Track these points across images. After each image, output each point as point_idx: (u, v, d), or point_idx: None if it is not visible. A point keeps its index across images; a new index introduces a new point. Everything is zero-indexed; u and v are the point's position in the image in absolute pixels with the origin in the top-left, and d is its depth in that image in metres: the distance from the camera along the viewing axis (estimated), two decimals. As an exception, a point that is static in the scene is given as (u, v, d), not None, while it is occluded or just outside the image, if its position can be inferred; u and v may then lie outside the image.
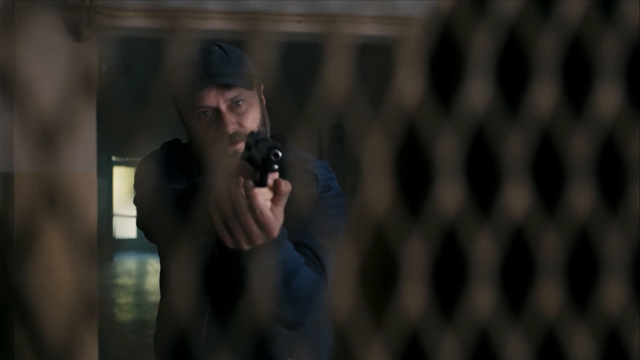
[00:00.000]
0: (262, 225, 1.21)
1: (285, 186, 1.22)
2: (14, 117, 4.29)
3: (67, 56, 4.43)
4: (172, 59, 1.63)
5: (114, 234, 14.75)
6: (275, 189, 1.22)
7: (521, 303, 0.37)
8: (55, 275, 4.23)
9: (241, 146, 1.50)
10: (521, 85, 0.37)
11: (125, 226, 14.47)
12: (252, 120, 1.57)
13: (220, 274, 1.53)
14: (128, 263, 13.40)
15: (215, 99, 1.54)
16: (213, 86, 1.53)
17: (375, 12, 4.58)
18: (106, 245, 13.01)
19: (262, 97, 1.65)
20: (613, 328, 0.37)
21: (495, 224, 0.37)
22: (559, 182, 0.37)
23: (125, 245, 14.39)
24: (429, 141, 0.37)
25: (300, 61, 6.27)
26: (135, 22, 4.52)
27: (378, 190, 0.36)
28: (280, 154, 1.16)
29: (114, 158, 14.62)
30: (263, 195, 1.21)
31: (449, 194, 0.36)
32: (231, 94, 1.55)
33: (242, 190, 1.19)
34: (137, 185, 1.64)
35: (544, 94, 0.37)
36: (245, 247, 1.23)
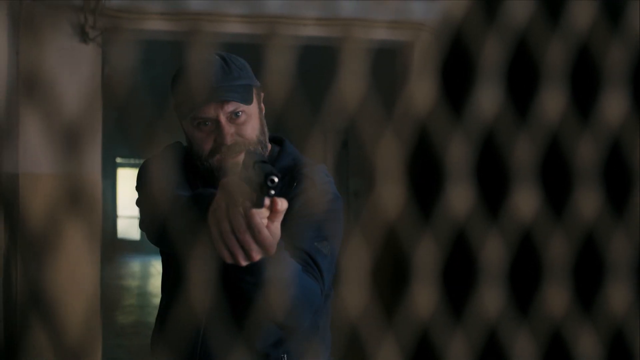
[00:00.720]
0: (260, 243, 1.23)
1: (282, 204, 1.23)
2: (20, 119, 4.30)
3: (73, 58, 4.44)
4: (177, 66, 1.64)
5: (118, 236, 14.75)
6: (272, 207, 1.23)
7: (529, 304, 0.38)
8: (62, 276, 4.24)
9: (240, 158, 1.51)
10: (530, 92, 0.38)
11: (129, 228, 14.48)
12: (251, 130, 1.58)
13: (221, 279, 1.54)
14: (132, 265, 13.39)
15: (215, 111, 1.55)
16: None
17: (388, 16, 4.59)
18: (110, 246, 13.01)
19: (262, 105, 1.65)
20: (618, 329, 0.38)
21: (504, 227, 0.38)
22: (566, 187, 0.38)
23: (129, 247, 14.40)
24: (440, 145, 0.38)
25: (314, 64, 6.28)
26: (141, 24, 4.53)
27: (390, 192, 0.37)
28: (276, 180, 1.17)
29: (118, 160, 14.64)
30: (260, 214, 1.22)
31: (459, 197, 0.37)
32: (230, 107, 1.56)
33: (241, 210, 1.21)
34: (139, 188, 1.65)
35: (552, 101, 0.38)
36: (243, 263, 1.25)
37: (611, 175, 0.38)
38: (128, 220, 14.50)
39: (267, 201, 1.21)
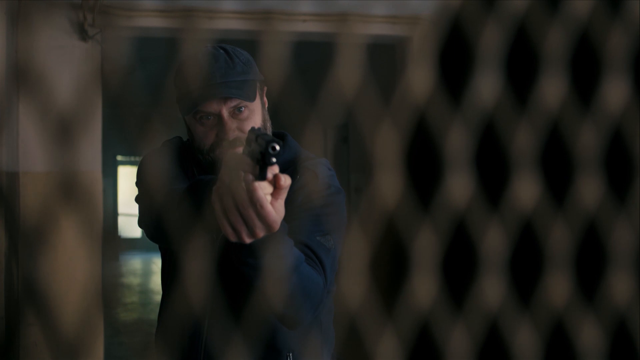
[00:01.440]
0: (263, 218, 1.22)
1: (285, 180, 1.23)
2: (20, 117, 4.30)
3: (72, 55, 4.44)
4: (178, 60, 1.64)
5: (119, 233, 14.77)
6: (275, 183, 1.23)
7: (530, 294, 0.38)
8: (62, 273, 4.24)
9: (240, 149, 1.51)
10: (530, 80, 0.38)
11: (130, 225, 14.50)
12: (253, 125, 1.58)
13: (222, 269, 1.54)
14: (133, 262, 13.41)
15: (217, 106, 1.56)
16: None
17: (385, 11, 4.59)
18: (111, 244, 13.03)
19: (265, 99, 1.66)
20: (620, 318, 0.38)
21: (505, 216, 0.37)
22: (567, 175, 0.38)
23: (130, 244, 14.42)
24: (439, 135, 0.37)
25: (311, 59, 6.27)
26: (140, 21, 4.52)
27: (389, 183, 0.37)
28: (277, 147, 1.17)
29: (118, 157, 14.65)
30: (263, 190, 1.22)
31: (459, 186, 0.37)
32: (233, 102, 1.56)
33: (243, 184, 1.21)
34: (139, 184, 1.65)
35: (552, 89, 0.38)
36: (247, 239, 1.24)
37: (613, 163, 0.38)
38: (129, 218, 14.51)
39: (270, 174, 1.21)
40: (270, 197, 1.22)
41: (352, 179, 6.73)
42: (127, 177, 14.81)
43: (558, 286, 0.38)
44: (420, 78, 0.37)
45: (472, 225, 0.37)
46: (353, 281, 0.37)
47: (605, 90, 0.38)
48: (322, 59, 4.73)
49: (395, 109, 0.38)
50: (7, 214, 4.12)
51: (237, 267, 1.36)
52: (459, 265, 0.38)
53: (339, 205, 1.60)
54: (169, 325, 1.67)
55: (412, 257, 0.37)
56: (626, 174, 0.38)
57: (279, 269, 1.33)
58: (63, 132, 3.91)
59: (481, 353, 0.37)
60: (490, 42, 0.38)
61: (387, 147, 0.37)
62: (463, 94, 0.37)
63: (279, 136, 1.71)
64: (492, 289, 0.37)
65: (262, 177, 1.21)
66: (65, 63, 4.42)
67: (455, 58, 0.38)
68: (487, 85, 0.37)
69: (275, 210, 1.23)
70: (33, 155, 4.33)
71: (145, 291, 10.10)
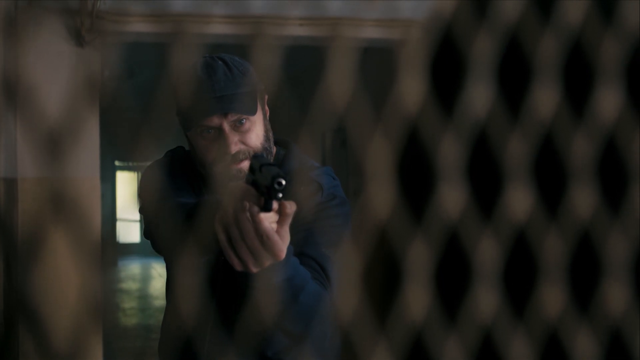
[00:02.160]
0: (269, 249, 1.22)
1: (290, 207, 1.22)
2: (17, 123, 4.30)
3: (69, 61, 4.43)
4: (176, 70, 1.63)
5: (117, 239, 14.75)
6: (280, 211, 1.22)
7: (524, 305, 0.37)
8: (60, 280, 4.24)
9: (245, 164, 1.50)
10: (523, 88, 0.38)
11: (129, 231, 14.49)
12: (256, 137, 1.57)
13: (225, 288, 1.53)
14: (132, 268, 13.40)
15: (218, 120, 1.54)
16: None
17: (377, 15, 4.59)
18: (110, 250, 13.03)
19: (266, 107, 1.65)
20: (616, 330, 0.38)
21: (498, 227, 0.37)
22: (560, 185, 0.37)
23: (129, 249, 14.40)
24: (431, 144, 0.37)
25: (302, 64, 6.27)
26: (138, 26, 4.52)
27: (381, 193, 0.37)
28: (283, 182, 1.16)
29: (117, 163, 14.64)
30: (269, 219, 1.21)
31: (452, 196, 0.36)
32: (234, 116, 1.55)
33: (248, 215, 1.19)
34: (142, 195, 1.64)
35: (546, 97, 0.37)
36: (254, 269, 1.24)
37: (607, 173, 0.37)
38: (127, 223, 14.50)
39: (275, 205, 1.20)
40: (276, 224, 1.21)
41: (351, 183, 6.73)
42: (126, 182, 14.81)
43: (552, 297, 0.37)
44: (411, 88, 0.37)
45: (465, 236, 0.37)
46: (345, 293, 0.37)
47: (598, 99, 0.38)
48: (313, 63, 4.73)
49: (387, 118, 0.38)
50: (4, 220, 4.11)
51: (243, 290, 1.35)
52: (452, 277, 0.37)
53: (344, 216, 1.59)
54: (170, 338, 1.67)
55: (405, 269, 0.36)
56: (620, 183, 0.37)
57: (285, 291, 1.32)
58: (60, 138, 3.91)
59: (475, 365, 0.37)
60: (483, 50, 0.38)
61: (379, 158, 0.37)
62: (455, 104, 0.37)
63: (282, 144, 1.70)
64: (485, 300, 0.37)
65: (267, 208, 1.19)
66: (62, 68, 4.42)
67: (447, 67, 0.38)
68: (479, 94, 0.37)
69: (281, 239, 1.22)
70: (31, 161, 4.32)
71: (144, 296, 10.09)
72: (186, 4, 4.46)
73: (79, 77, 4.39)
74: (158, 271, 12.06)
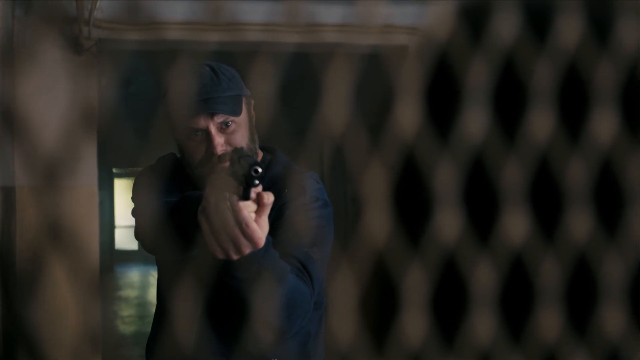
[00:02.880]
0: (249, 237, 1.28)
1: (268, 198, 1.30)
2: (14, 131, 4.29)
3: (67, 69, 4.43)
4: (167, 78, 1.67)
5: (115, 246, 14.74)
6: (259, 201, 1.28)
7: (521, 329, 0.37)
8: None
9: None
10: (518, 113, 0.38)
11: (127, 238, 14.46)
12: (241, 139, 1.63)
13: (211, 282, 1.57)
14: (130, 275, 13.38)
15: (204, 122, 1.61)
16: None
17: (378, 22, 4.59)
18: (108, 257, 13.02)
19: (252, 113, 1.70)
20: (613, 352, 0.38)
21: (495, 251, 0.37)
22: (557, 209, 0.37)
23: (127, 257, 14.38)
24: (427, 170, 0.37)
25: (295, 72, 6.27)
26: (134, 35, 4.52)
27: (378, 220, 0.37)
28: (260, 169, 1.26)
29: (114, 170, 14.62)
30: (247, 208, 1.28)
31: (448, 222, 0.37)
32: (220, 118, 1.61)
33: (229, 204, 1.26)
34: (133, 198, 1.70)
35: (541, 122, 0.38)
36: (234, 257, 1.31)
37: (603, 196, 0.38)
38: (126, 231, 14.48)
39: (253, 194, 1.28)
40: (255, 214, 1.28)
41: (348, 189, 6.72)
42: (124, 189, 14.80)
43: (550, 320, 0.37)
44: (407, 114, 0.37)
45: (462, 261, 0.37)
46: (343, 320, 0.37)
47: (594, 123, 0.38)
48: (311, 72, 4.73)
49: (384, 145, 0.38)
50: (3, 229, 4.11)
51: (225, 280, 1.40)
52: (450, 302, 0.37)
53: (327, 218, 1.66)
54: (161, 336, 1.70)
55: (402, 294, 0.36)
56: (616, 207, 0.37)
57: (265, 281, 1.38)
58: (58, 146, 3.91)
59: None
60: (478, 75, 0.38)
61: (376, 184, 0.37)
62: (451, 129, 0.37)
63: (268, 150, 1.75)
64: (483, 325, 0.37)
65: (246, 197, 1.28)
66: (61, 77, 4.42)
67: (442, 92, 0.38)
68: (475, 120, 0.37)
69: (260, 227, 1.30)
70: (29, 170, 4.32)
71: (142, 304, 10.07)
72: (183, 13, 4.47)
73: (77, 84, 4.39)
74: (156, 278, 12.03)
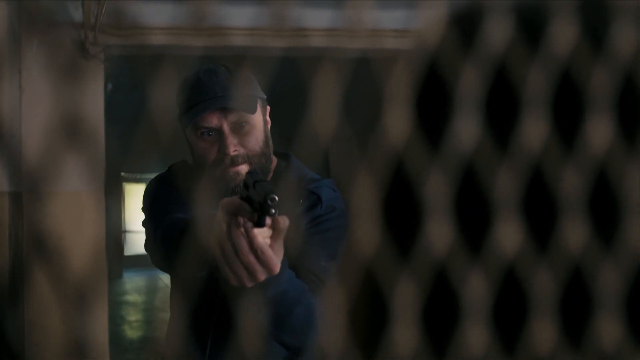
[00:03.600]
0: (264, 264, 1.23)
1: (284, 222, 1.24)
2: (21, 136, 4.30)
3: (74, 74, 4.44)
4: (179, 78, 1.65)
5: (123, 251, 14.74)
6: (274, 225, 1.23)
7: (515, 341, 0.37)
8: (77, 291, 4.23)
9: (241, 168, 1.52)
10: (511, 121, 0.37)
11: (135, 242, 14.46)
12: (255, 141, 1.58)
13: (223, 302, 1.54)
14: (137, 280, 13.39)
15: (218, 120, 1.56)
16: (217, 108, 1.54)
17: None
18: (115, 262, 13.03)
19: (268, 118, 1.65)
20: (609, 365, 0.37)
21: (487, 262, 0.36)
22: (551, 219, 0.37)
23: (135, 261, 14.38)
24: (417, 179, 0.36)
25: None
26: (141, 39, 4.53)
27: (367, 231, 0.36)
28: (276, 199, 1.18)
29: (123, 174, 14.63)
30: (262, 234, 1.23)
31: (439, 233, 0.36)
32: (234, 117, 1.56)
33: (242, 230, 1.21)
34: (143, 210, 1.66)
35: (534, 129, 0.37)
36: (249, 284, 1.25)
37: (598, 206, 0.37)
38: (134, 235, 14.49)
39: (268, 220, 1.21)
40: (269, 239, 1.23)
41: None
42: (132, 193, 14.81)
43: (544, 333, 0.36)
44: (397, 120, 0.36)
45: (453, 273, 0.36)
46: (331, 333, 0.36)
47: (589, 131, 0.37)
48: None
49: (373, 154, 0.37)
50: (10, 234, 4.11)
51: (239, 304, 1.36)
52: (441, 315, 0.36)
53: (344, 229, 1.60)
54: (175, 352, 1.68)
55: (392, 307, 0.36)
56: (612, 217, 0.37)
57: (281, 304, 1.34)
58: (66, 150, 3.91)
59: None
60: (469, 82, 0.37)
61: (365, 194, 0.36)
62: (442, 138, 0.36)
63: (282, 156, 1.71)
64: (475, 337, 0.36)
65: (261, 224, 1.21)
66: (67, 82, 4.43)
67: (432, 100, 0.37)
68: (466, 128, 0.36)
69: (275, 253, 1.24)
70: (36, 174, 4.32)
71: (150, 309, 10.08)
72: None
73: (83, 89, 4.40)
74: (164, 282, 12.05)
